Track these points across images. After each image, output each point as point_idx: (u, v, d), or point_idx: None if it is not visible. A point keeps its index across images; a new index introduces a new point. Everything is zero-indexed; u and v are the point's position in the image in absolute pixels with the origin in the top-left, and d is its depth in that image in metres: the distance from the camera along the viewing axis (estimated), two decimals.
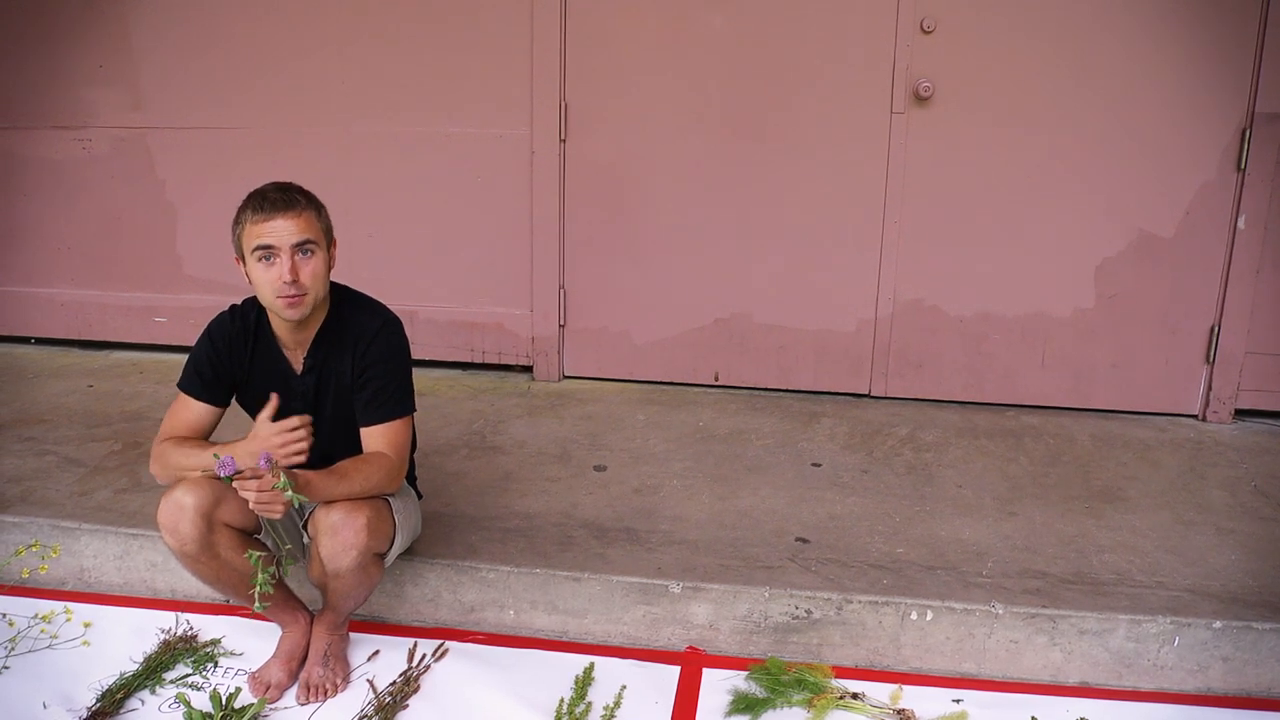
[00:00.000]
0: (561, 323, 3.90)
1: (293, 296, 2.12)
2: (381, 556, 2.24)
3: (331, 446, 2.24)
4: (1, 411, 3.53)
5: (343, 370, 2.26)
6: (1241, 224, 3.46)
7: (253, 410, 2.26)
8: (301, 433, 2.11)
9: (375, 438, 2.23)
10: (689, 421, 3.52)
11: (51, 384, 3.86)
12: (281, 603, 2.34)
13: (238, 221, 2.15)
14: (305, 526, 2.25)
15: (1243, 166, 3.42)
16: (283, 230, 2.10)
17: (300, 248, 2.11)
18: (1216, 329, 3.55)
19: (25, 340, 4.37)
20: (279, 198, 2.11)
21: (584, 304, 3.89)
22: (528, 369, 3.98)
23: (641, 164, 3.75)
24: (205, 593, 2.61)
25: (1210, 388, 3.59)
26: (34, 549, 2.62)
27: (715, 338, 3.84)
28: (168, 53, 3.98)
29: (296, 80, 3.91)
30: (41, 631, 2.48)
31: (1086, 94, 3.46)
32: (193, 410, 2.26)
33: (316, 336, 2.25)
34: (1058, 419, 3.61)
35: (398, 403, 2.25)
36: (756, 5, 3.57)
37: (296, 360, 2.27)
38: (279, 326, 2.24)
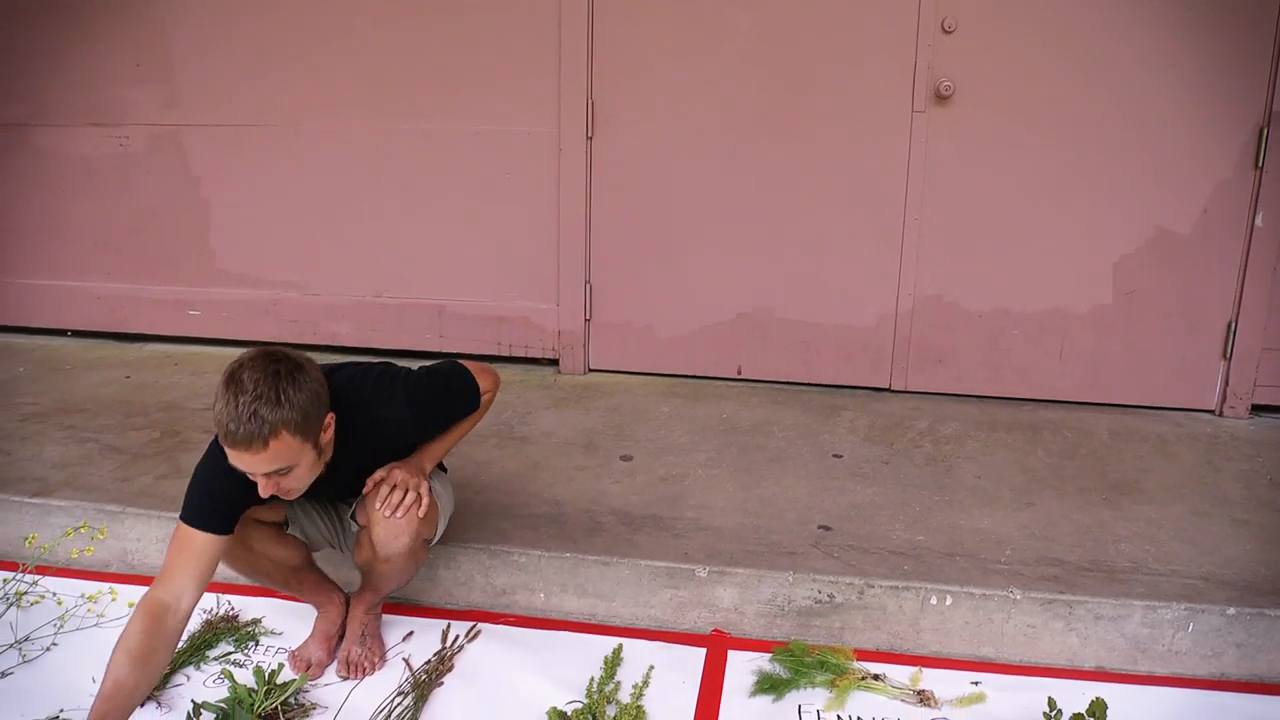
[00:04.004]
0: (587, 317, 3.98)
1: (281, 494, 2.04)
2: (428, 542, 2.32)
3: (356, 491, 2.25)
4: (42, 401, 3.63)
5: (365, 452, 2.19)
6: (1259, 221, 3.50)
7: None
8: (410, 496, 2.14)
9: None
10: (712, 414, 3.59)
11: (89, 375, 3.96)
12: (315, 586, 2.42)
13: (215, 411, 1.91)
14: (354, 516, 2.32)
15: (1260, 164, 3.46)
16: (249, 463, 1.92)
17: (273, 474, 1.95)
18: (1233, 325, 3.59)
19: (62, 333, 4.47)
20: (240, 427, 1.86)
21: (609, 298, 3.96)
22: (554, 362, 4.05)
23: (666, 161, 3.82)
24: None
25: (1227, 383, 3.63)
26: (83, 530, 2.70)
27: (738, 332, 3.90)
28: (203, 51, 4.07)
29: (327, 78, 3.99)
30: (88, 611, 2.57)
31: (1105, 93, 3.51)
32: (193, 549, 2.08)
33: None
34: (1075, 413, 3.66)
35: (469, 391, 2.30)
36: (780, 5, 3.63)
37: None
38: None
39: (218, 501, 2.07)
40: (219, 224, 4.22)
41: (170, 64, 4.10)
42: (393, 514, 2.12)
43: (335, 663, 2.37)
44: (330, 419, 2.03)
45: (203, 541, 2.07)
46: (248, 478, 1.99)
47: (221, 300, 4.24)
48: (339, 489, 2.27)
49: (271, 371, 1.90)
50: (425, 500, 2.16)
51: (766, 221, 3.80)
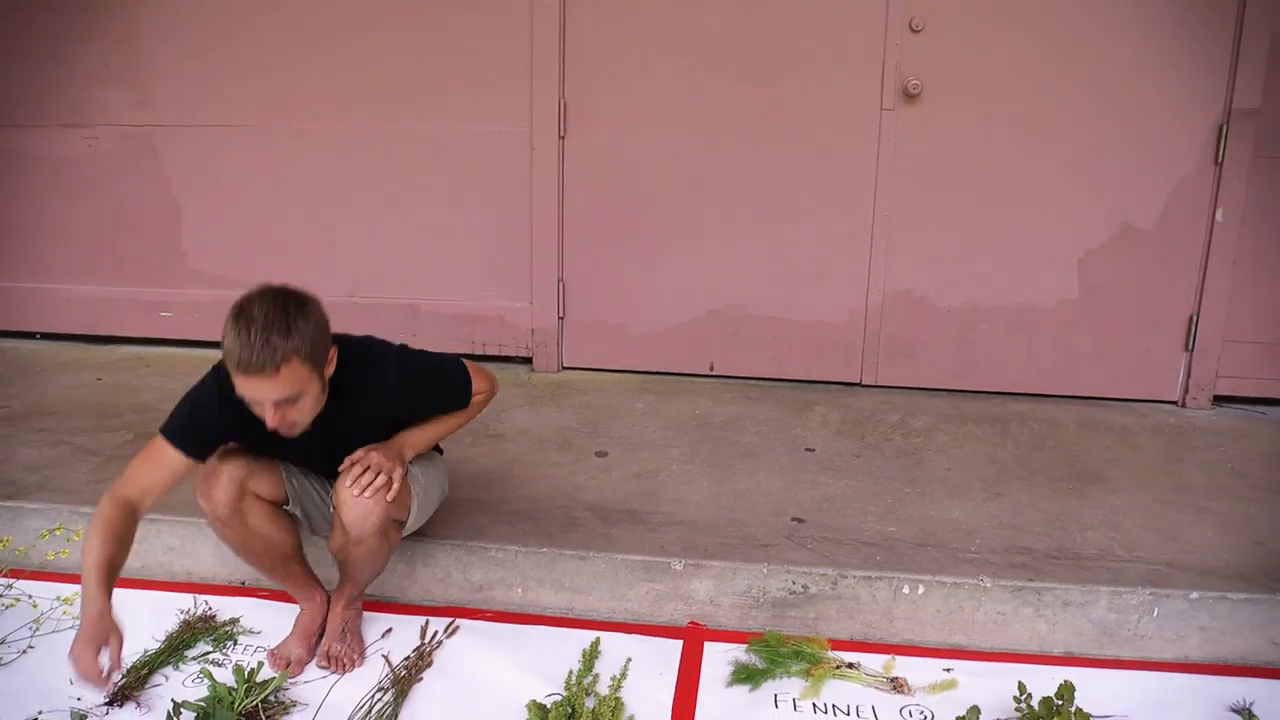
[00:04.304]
0: (560, 315, 4.00)
1: (284, 428, 2.08)
2: (401, 525, 2.34)
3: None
4: (14, 404, 3.61)
5: (361, 425, 2.24)
6: (1220, 216, 3.58)
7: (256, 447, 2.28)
8: (380, 479, 2.15)
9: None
10: (686, 410, 3.62)
11: (60, 377, 3.93)
12: (301, 580, 2.43)
13: (223, 344, 1.97)
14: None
15: (1220, 161, 3.54)
16: (261, 389, 1.97)
17: (282, 401, 2.01)
18: (1196, 318, 3.67)
19: (30, 336, 4.43)
20: (253, 355, 1.92)
21: (582, 297, 3.98)
22: (527, 360, 4.07)
23: (638, 160, 3.85)
24: (221, 575, 2.70)
25: (1190, 375, 3.71)
26: (58, 532, 2.69)
27: (710, 329, 3.94)
28: (172, 51, 4.05)
29: (299, 78, 3.99)
30: (64, 613, 2.56)
31: (1071, 91, 3.58)
32: (165, 461, 2.16)
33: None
34: (1043, 406, 3.72)
35: (463, 384, 2.37)
36: (751, 5, 3.67)
37: None
38: None
39: (201, 427, 2.16)
40: (190, 225, 4.21)
41: (140, 64, 4.09)
42: (360, 493, 2.13)
43: (315, 659, 2.38)
44: (334, 353, 2.10)
45: (175, 459, 2.16)
46: (238, 415, 2.08)
47: (194, 301, 4.22)
48: (326, 458, 2.27)
49: (280, 304, 1.97)
50: (396, 485, 2.17)
51: (738, 219, 3.83)
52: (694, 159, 3.81)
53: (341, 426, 2.21)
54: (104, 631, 2.04)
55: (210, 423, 2.16)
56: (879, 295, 3.81)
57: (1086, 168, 3.63)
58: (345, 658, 2.36)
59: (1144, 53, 3.52)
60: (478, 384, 2.39)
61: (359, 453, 2.18)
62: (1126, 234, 3.65)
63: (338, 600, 2.41)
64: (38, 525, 2.77)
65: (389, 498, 2.16)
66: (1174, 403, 3.76)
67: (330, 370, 2.11)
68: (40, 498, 2.83)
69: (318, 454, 2.31)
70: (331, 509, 2.37)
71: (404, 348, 2.31)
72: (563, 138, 3.85)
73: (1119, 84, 3.55)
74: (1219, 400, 3.74)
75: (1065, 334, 3.76)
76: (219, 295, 4.16)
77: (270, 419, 2.02)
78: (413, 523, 2.40)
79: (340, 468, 2.18)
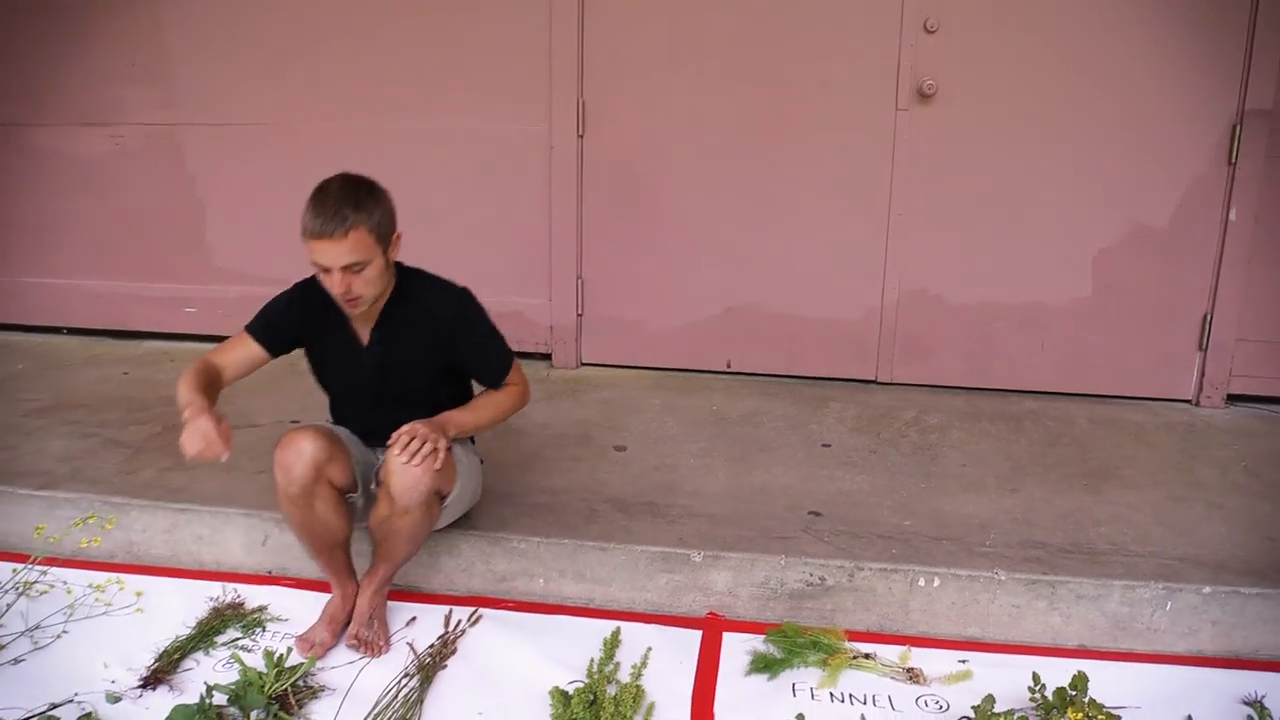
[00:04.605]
0: (579, 312, 4.05)
1: (348, 301, 2.31)
2: (442, 500, 2.41)
3: (404, 411, 2.38)
4: (43, 397, 3.68)
5: (413, 348, 2.45)
6: (1233, 216, 3.61)
7: (319, 376, 2.55)
8: (427, 447, 2.25)
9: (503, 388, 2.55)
10: (703, 405, 3.66)
11: (88, 371, 4.01)
12: (343, 568, 2.50)
13: (301, 220, 2.25)
14: (376, 476, 2.43)
15: (1234, 160, 3.56)
16: (331, 252, 2.22)
17: (350, 267, 2.24)
18: (1209, 317, 3.70)
19: (58, 331, 4.51)
20: (326, 221, 2.20)
21: (601, 294, 4.03)
22: (546, 356, 4.12)
23: (656, 159, 3.89)
24: (249, 564, 2.77)
25: (1203, 374, 3.74)
26: (91, 521, 2.76)
27: (727, 326, 3.98)
28: (197, 50, 4.12)
29: (322, 77, 4.06)
30: (96, 600, 2.62)
31: (1084, 92, 3.61)
32: (245, 347, 2.45)
33: (381, 315, 2.43)
34: (1057, 403, 3.75)
35: (506, 356, 2.54)
36: (766, 7, 3.72)
37: (364, 334, 2.46)
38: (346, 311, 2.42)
39: (277, 321, 2.45)
40: (214, 222, 4.28)
41: (165, 63, 4.16)
42: (409, 460, 2.22)
43: (344, 640, 2.44)
44: (398, 238, 2.37)
45: (253, 348, 2.45)
46: (307, 314, 2.44)
47: (217, 297, 4.29)
48: (376, 387, 2.47)
49: (354, 183, 2.28)
50: (441, 455, 2.26)
51: (755, 217, 3.88)
52: (711, 158, 3.86)
53: (397, 343, 2.43)
54: (210, 413, 2.21)
55: (286, 317, 2.45)
56: (894, 293, 3.85)
57: (1100, 167, 3.66)
58: (374, 643, 2.41)
59: (1157, 53, 3.55)
60: (515, 375, 2.54)
61: (406, 426, 2.28)
62: (1140, 233, 3.68)
63: (368, 584, 2.47)
64: (70, 515, 2.83)
65: (435, 466, 2.25)
66: (1188, 401, 3.79)
67: (395, 253, 2.37)
68: (72, 488, 2.90)
69: (369, 380, 2.46)
70: (375, 485, 2.45)
71: (467, 293, 2.52)
72: (581, 137, 3.90)
73: (1132, 84, 3.58)
74: (1232, 399, 3.77)
75: (1079, 332, 3.79)
76: (242, 291, 4.27)
77: (337, 285, 2.25)
78: (452, 500, 2.46)
79: (389, 440, 2.27)
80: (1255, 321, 3.68)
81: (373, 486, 2.45)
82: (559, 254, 4.00)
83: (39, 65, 4.23)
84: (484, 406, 2.50)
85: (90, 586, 2.65)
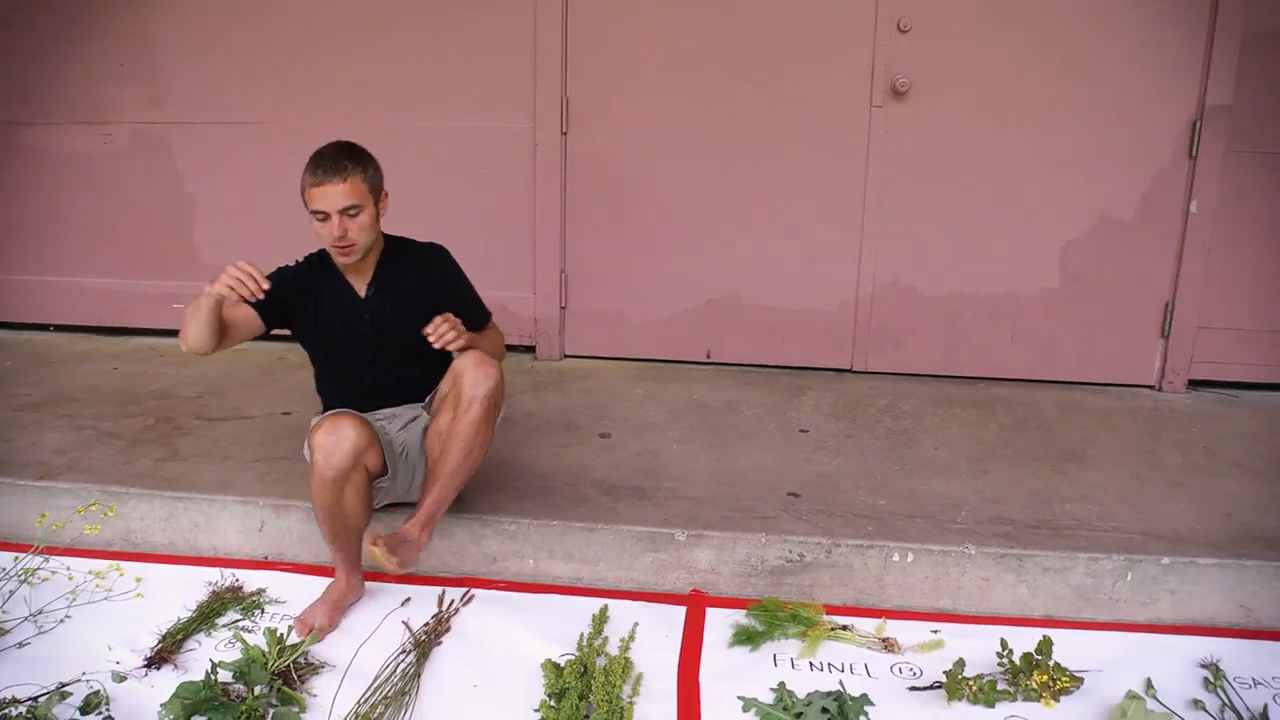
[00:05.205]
0: (563, 305, 4.14)
1: (343, 247, 2.56)
2: (498, 415, 2.58)
3: (401, 369, 2.65)
4: (35, 392, 3.73)
5: (407, 287, 2.69)
6: (1194, 208, 3.74)
7: (318, 340, 2.75)
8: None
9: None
10: (684, 395, 3.77)
11: (79, 367, 4.06)
12: (353, 555, 2.57)
13: (302, 179, 2.54)
14: (428, 407, 2.70)
15: (1194, 154, 3.70)
16: (330, 196, 2.49)
17: (346, 211, 2.51)
18: (1171, 305, 3.83)
19: (44, 328, 4.55)
20: (326, 170, 2.49)
21: (584, 287, 4.13)
22: (531, 349, 4.21)
23: (638, 155, 3.99)
24: (245, 550, 2.84)
25: (1165, 360, 3.87)
26: (93, 508, 2.82)
27: (707, 317, 4.09)
28: (186, 50, 4.18)
29: (309, 76, 4.13)
30: (97, 585, 2.69)
31: (1052, 88, 3.73)
32: (245, 310, 2.62)
33: (376, 269, 2.70)
34: (1026, 390, 3.88)
35: (482, 305, 2.84)
36: (747, 6, 3.82)
37: (361, 287, 2.68)
38: (341, 263, 2.66)
39: (271, 289, 2.46)
40: (203, 219, 4.34)
41: (154, 63, 4.21)
42: (449, 329, 2.46)
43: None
44: (386, 197, 2.64)
45: (248, 311, 2.63)
46: (303, 281, 2.67)
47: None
48: (376, 342, 2.69)
49: (348, 144, 2.58)
50: (463, 340, 2.51)
51: (734, 212, 3.98)
52: (692, 154, 3.96)
53: (392, 291, 2.67)
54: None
55: (275, 281, 2.50)
56: (869, 285, 3.96)
57: (1067, 161, 3.79)
58: (415, 549, 2.43)
59: (1122, 52, 3.68)
60: (493, 322, 2.87)
61: (439, 317, 2.49)
62: (1105, 225, 3.81)
63: (414, 524, 2.44)
64: (69, 504, 2.89)
65: (462, 341, 2.49)
66: (1151, 387, 3.92)
67: (384, 211, 2.64)
68: (70, 478, 2.96)
69: (368, 333, 2.68)
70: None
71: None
72: (565, 134, 3.99)
73: (1099, 82, 3.71)
74: (1194, 384, 3.91)
75: (1047, 321, 3.92)
76: None
77: (335, 228, 2.49)
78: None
79: (427, 330, 2.47)
80: (1215, 310, 3.82)
81: (424, 418, 2.69)
82: (543, 248, 4.09)
83: (28, 65, 4.27)
84: (485, 335, 2.77)
85: (90, 573, 2.72)
